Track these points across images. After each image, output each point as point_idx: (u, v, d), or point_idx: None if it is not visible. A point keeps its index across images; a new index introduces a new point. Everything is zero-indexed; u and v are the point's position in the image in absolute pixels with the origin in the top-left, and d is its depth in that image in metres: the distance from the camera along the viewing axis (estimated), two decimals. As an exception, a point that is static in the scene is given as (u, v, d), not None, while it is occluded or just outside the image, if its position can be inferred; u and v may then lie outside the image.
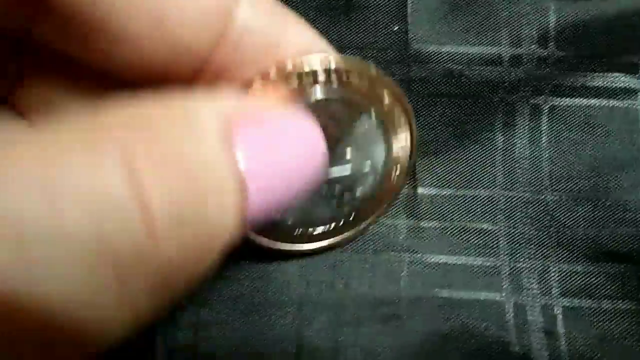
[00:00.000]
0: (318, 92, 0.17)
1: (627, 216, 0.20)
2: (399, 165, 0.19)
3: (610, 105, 0.21)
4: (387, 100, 0.18)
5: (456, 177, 0.21)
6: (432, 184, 0.21)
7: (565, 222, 0.20)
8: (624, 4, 0.20)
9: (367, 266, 0.20)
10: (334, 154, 0.18)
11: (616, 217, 0.20)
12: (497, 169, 0.21)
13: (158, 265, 0.11)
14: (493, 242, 0.20)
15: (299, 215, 0.19)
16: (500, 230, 0.20)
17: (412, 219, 0.20)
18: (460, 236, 0.20)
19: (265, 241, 0.19)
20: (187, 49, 0.14)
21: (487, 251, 0.20)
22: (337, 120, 0.18)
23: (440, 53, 0.21)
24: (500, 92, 0.21)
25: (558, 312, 0.20)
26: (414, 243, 0.20)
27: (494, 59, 0.21)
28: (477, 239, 0.20)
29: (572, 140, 0.21)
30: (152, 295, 0.12)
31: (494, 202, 0.21)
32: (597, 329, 0.20)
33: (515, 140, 0.21)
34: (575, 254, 0.20)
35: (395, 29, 0.21)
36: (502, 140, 0.21)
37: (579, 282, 0.20)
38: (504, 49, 0.21)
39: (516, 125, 0.21)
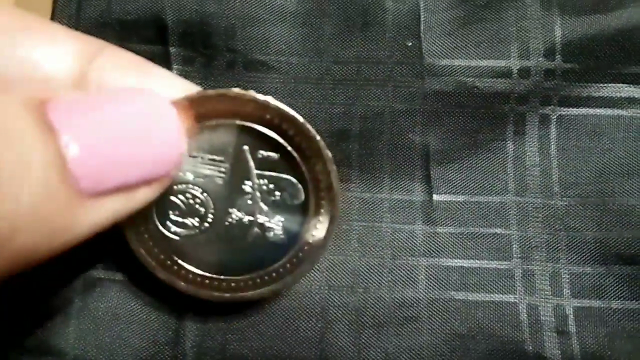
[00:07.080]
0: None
1: (632, 220, 0.21)
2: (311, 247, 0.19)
3: (616, 114, 0.21)
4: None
5: (470, 184, 0.22)
6: (446, 191, 0.22)
7: (574, 226, 0.21)
8: (625, 17, 0.21)
9: (386, 271, 0.21)
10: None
11: (622, 221, 0.21)
12: (508, 176, 0.22)
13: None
14: (506, 246, 0.21)
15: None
16: (513, 234, 0.21)
17: (428, 225, 0.21)
18: (475, 241, 0.21)
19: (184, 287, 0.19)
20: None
21: (500, 255, 0.21)
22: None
23: (453, 66, 0.22)
24: (510, 102, 0.22)
25: (569, 312, 0.21)
26: (431, 248, 0.21)
27: (504, 72, 0.22)
28: (490, 244, 0.21)
29: (580, 148, 0.22)
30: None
31: (506, 208, 0.21)
32: (607, 327, 0.20)
33: (526, 149, 0.22)
34: (585, 257, 0.21)
35: (409, 44, 0.22)
36: (512, 148, 0.22)
37: (589, 283, 0.21)
38: (513, 62, 0.22)
39: (526, 134, 0.22)
